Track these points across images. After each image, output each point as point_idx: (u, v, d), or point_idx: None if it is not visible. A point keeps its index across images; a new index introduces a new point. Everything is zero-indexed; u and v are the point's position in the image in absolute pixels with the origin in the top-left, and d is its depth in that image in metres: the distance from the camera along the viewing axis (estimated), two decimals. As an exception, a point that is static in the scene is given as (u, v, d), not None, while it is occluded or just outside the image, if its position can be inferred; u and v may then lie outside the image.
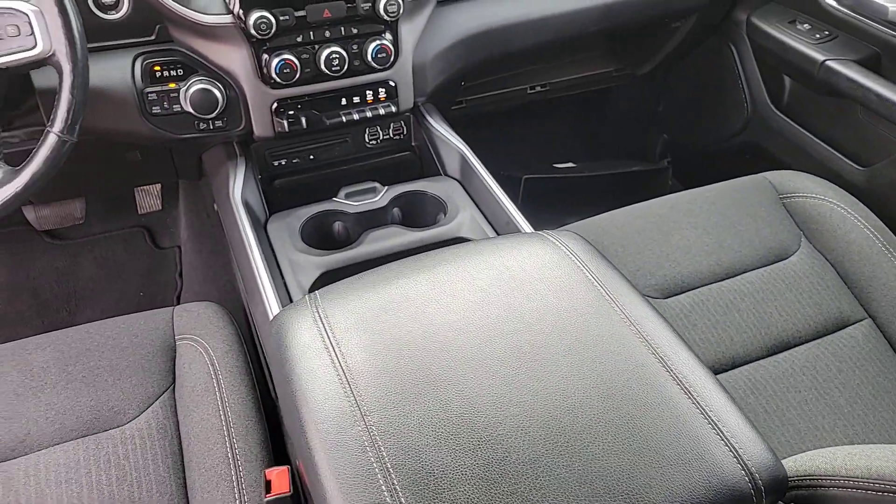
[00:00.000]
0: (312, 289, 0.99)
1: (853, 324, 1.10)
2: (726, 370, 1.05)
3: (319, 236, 1.12)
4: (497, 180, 1.15)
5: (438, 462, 0.60)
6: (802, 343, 1.08)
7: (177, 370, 0.99)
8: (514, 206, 1.08)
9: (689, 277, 1.15)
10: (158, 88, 1.06)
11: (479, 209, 1.14)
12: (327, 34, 1.07)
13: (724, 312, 1.11)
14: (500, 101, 1.69)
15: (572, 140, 2.04)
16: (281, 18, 1.02)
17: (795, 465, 0.70)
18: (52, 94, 0.99)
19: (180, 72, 1.07)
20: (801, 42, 1.41)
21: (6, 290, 1.61)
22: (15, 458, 0.89)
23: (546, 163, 1.91)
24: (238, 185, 1.12)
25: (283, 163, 1.23)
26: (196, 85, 1.06)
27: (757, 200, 1.27)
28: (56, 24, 0.81)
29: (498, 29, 1.28)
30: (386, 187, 1.17)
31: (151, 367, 0.99)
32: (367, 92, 1.16)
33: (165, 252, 1.73)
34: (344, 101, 1.15)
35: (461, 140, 1.24)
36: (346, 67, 1.09)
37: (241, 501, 0.84)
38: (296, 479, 0.82)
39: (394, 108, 1.18)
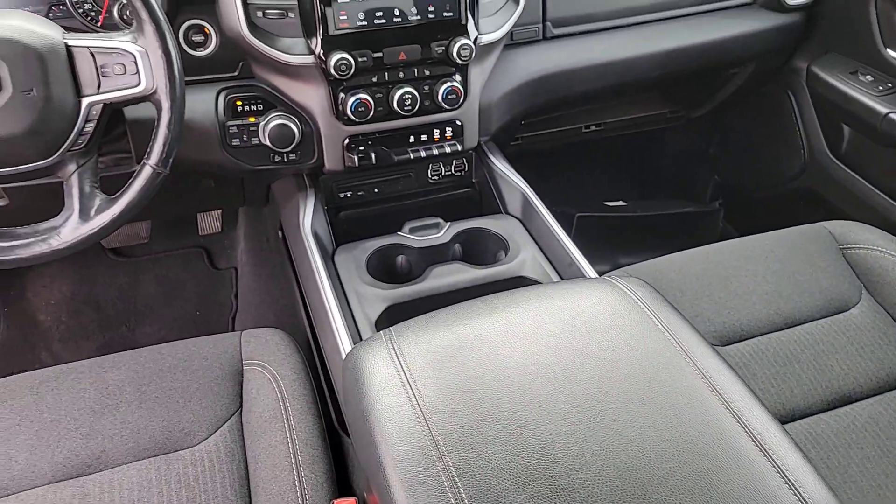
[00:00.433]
0: (379, 321, 1.02)
1: (916, 381, 1.09)
2: (786, 422, 1.04)
3: (383, 268, 1.15)
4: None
5: (518, 507, 0.61)
6: (864, 398, 1.07)
7: (244, 395, 1.02)
8: (577, 248, 1.10)
9: (748, 326, 1.15)
10: (239, 122, 1.11)
11: (540, 248, 1.16)
12: (401, 75, 1.11)
13: (784, 363, 1.10)
14: (555, 139, 1.72)
15: (622, 178, 2.05)
16: (359, 60, 1.06)
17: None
18: (140, 125, 1.05)
19: (260, 107, 1.12)
20: (863, 93, 1.41)
21: (71, 303, 1.68)
22: (91, 473, 0.92)
23: (596, 200, 1.92)
24: (308, 217, 1.16)
25: (349, 195, 1.27)
26: (274, 120, 1.11)
27: (816, 250, 1.27)
28: (159, 64, 0.86)
29: (561, 73, 1.31)
30: (448, 223, 1.20)
31: (220, 390, 1.02)
32: (435, 130, 1.19)
33: (222, 273, 1.78)
34: (412, 139, 1.19)
35: (522, 179, 1.27)
36: (417, 107, 1.13)
37: (306, 529, 0.86)
38: (363, 511, 0.84)
39: (459, 147, 1.21)
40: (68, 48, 0.84)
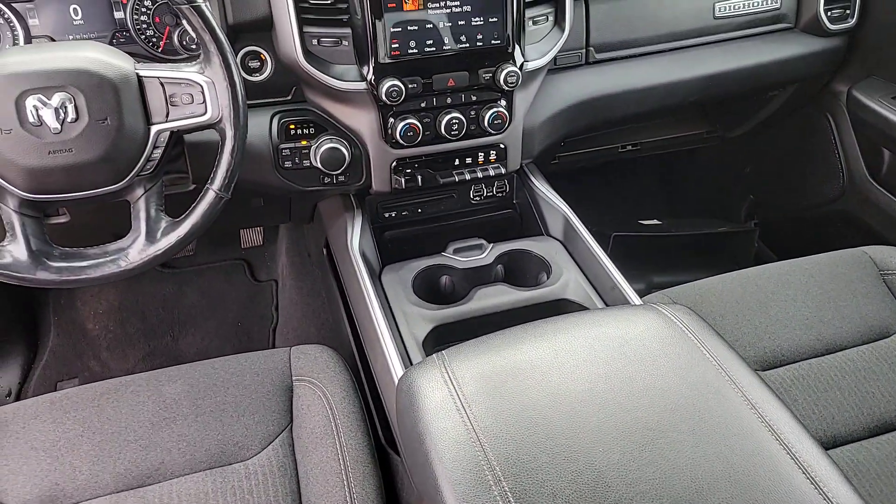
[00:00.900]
0: (425, 341, 1.05)
1: (959, 410, 1.09)
2: (827, 449, 1.05)
3: (427, 288, 1.18)
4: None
5: (576, 534, 0.64)
6: (906, 426, 1.07)
7: (294, 410, 1.05)
8: (619, 272, 1.12)
9: (788, 351, 1.16)
10: (292, 145, 1.15)
11: (582, 271, 1.18)
12: (449, 101, 1.14)
13: (824, 389, 1.11)
14: (591, 158, 1.73)
15: (656, 196, 2.06)
16: (409, 86, 1.09)
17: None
18: (197, 147, 1.09)
19: (312, 130, 1.16)
20: (905, 118, 1.41)
21: (118, 312, 1.73)
22: (150, 484, 0.96)
23: (630, 217, 1.93)
24: (356, 237, 1.19)
25: (394, 214, 1.30)
26: (326, 143, 1.14)
27: (857, 275, 1.27)
28: (225, 95, 0.90)
29: (603, 97, 1.33)
30: (491, 244, 1.22)
31: (271, 405, 1.05)
32: (479, 153, 1.22)
33: (262, 285, 1.82)
34: (457, 161, 1.22)
35: (563, 201, 1.29)
36: (463, 131, 1.16)
37: (357, 545, 0.89)
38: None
39: (503, 170, 1.24)
40: (140, 78, 0.89)
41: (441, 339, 1.08)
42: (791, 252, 1.83)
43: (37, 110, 0.83)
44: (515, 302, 1.12)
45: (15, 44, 1.04)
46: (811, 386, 1.11)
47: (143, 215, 0.93)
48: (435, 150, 1.19)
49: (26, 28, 1.04)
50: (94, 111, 0.85)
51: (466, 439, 0.73)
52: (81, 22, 1.07)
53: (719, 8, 1.37)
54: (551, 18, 1.19)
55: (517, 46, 1.13)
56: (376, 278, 1.15)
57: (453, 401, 0.78)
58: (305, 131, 1.16)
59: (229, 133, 0.91)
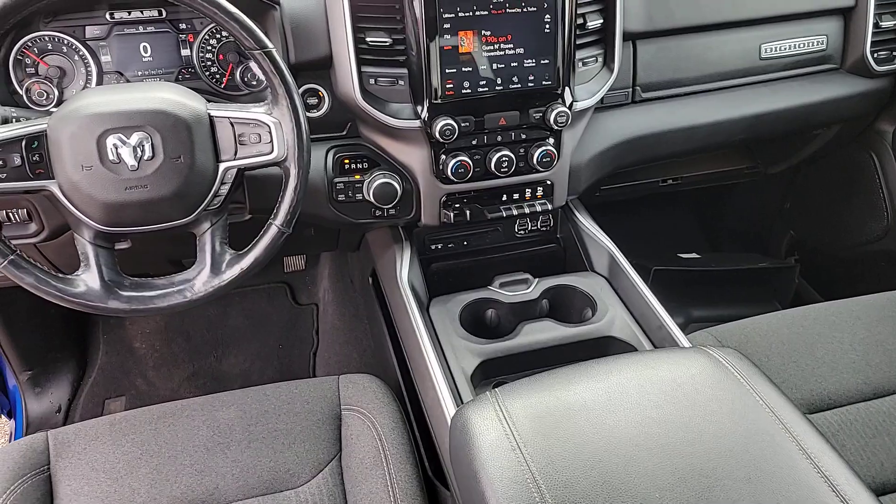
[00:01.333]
0: (474, 375, 1.07)
1: None
2: (878, 495, 1.04)
3: (474, 321, 1.20)
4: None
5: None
6: (958, 475, 1.06)
7: (343, 439, 1.08)
8: (666, 312, 1.13)
9: (835, 394, 1.15)
10: (346, 179, 1.19)
11: (627, 308, 1.19)
12: (499, 138, 1.17)
13: (873, 434, 1.10)
14: (631, 191, 1.75)
15: (695, 229, 2.06)
16: (462, 125, 1.12)
17: None
18: (256, 180, 1.13)
19: (365, 165, 1.19)
20: (953, 160, 1.41)
21: (165, 332, 1.78)
22: (205, 508, 0.99)
23: (668, 250, 1.94)
24: (405, 269, 1.22)
25: (440, 247, 1.33)
26: (379, 178, 1.18)
27: (904, 318, 1.27)
28: (291, 135, 0.93)
29: (649, 136, 1.35)
30: (537, 279, 1.24)
31: (321, 433, 1.08)
32: (527, 189, 1.24)
33: (303, 308, 1.86)
34: (504, 197, 1.24)
35: (608, 237, 1.30)
36: (513, 168, 1.18)
37: (407, 576, 0.91)
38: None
39: (549, 206, 1.26)
40: (211, 118, 0.93)
41: (488, 373, 1.10)
42: (833, 289, 1.82)
43: (116, 148, 0.88)
44: (562, 338, 1.13)
45: (88, 78, 1.09)
46: (859, 431, 1.11)
47: (208, 248, 0.97)
48: (483, 185, 1.21)
49: (99, 64, 1.10)
50: (169, 150, 0.90)
51: (522, 479, 0.75)
52: (150, 59, 1.12)
53: (765, 49, 1.38)
54: (600, 60, 1.21)
55: (567, 87, 1.15)
56: (425, 311, 1.18)
57: (508, 440, 0.79)
58: (359, 166, 1.19)
59: (293, 171, 0.95)
